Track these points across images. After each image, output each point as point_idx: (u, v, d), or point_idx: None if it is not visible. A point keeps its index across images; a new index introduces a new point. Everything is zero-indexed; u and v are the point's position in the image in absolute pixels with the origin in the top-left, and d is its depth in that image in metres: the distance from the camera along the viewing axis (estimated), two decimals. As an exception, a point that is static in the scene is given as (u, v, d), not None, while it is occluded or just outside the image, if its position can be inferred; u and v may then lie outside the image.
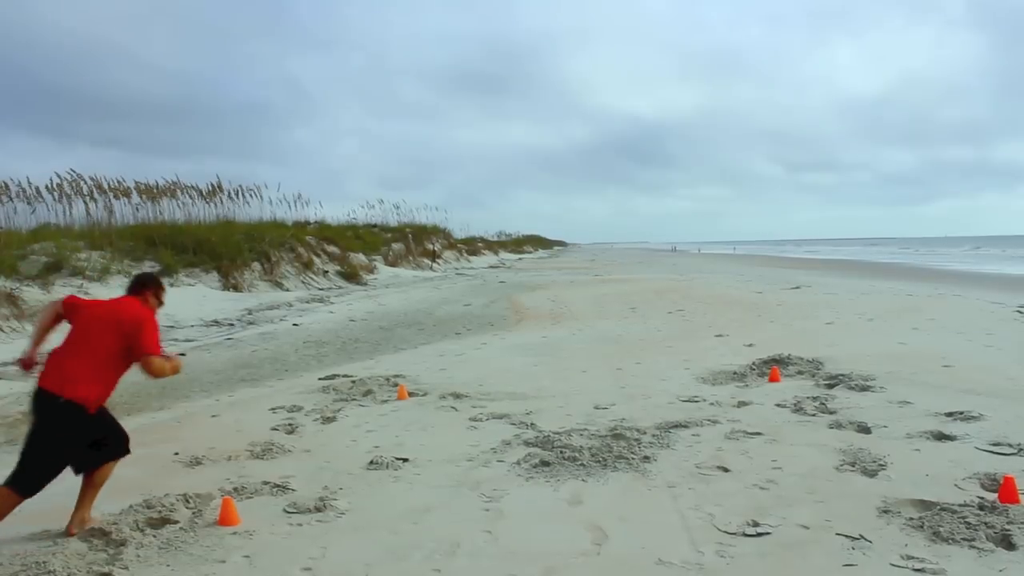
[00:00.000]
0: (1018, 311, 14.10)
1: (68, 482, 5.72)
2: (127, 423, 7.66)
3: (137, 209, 25.86)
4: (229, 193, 29.65)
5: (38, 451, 4.32)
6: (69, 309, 4.71)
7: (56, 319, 4.76)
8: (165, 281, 18.21)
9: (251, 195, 31.05)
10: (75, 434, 4.43)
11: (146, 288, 5.08)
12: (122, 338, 4.54)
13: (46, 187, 23.55)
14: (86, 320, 4.61)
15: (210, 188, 28.80)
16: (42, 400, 4.37)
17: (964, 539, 4.07)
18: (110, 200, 24.91)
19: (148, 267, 20.69)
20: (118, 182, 25.46)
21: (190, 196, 27.97)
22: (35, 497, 4.30)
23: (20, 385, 9.25)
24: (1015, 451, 5.63)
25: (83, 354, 4.47)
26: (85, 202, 24.15)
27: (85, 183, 24.30)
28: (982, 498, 4.63)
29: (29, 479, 4.27)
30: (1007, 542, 4.01)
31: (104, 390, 4.57)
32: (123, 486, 5.48)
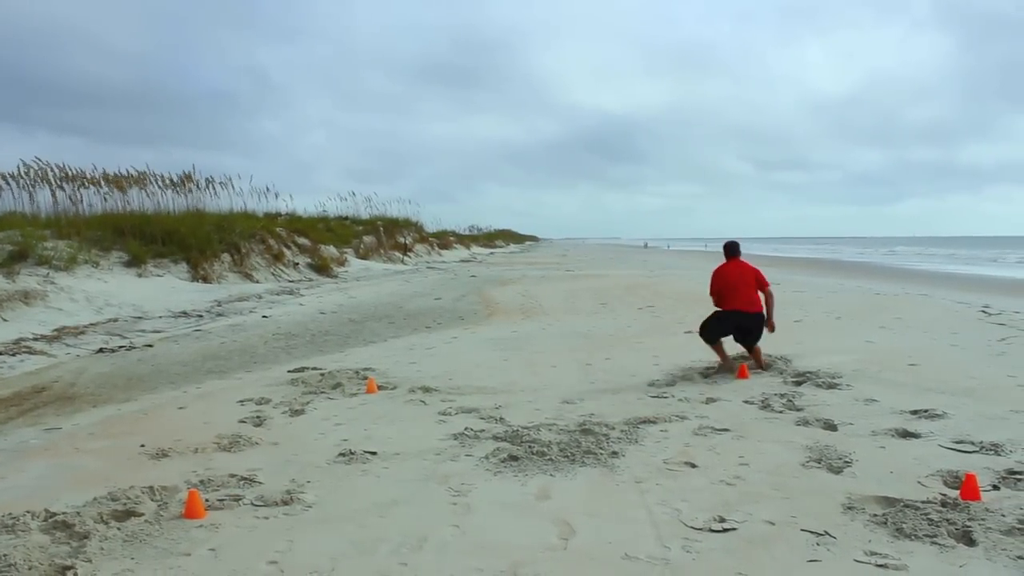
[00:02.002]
0: (983, 311, 14.30)
1: (34, 472, 5.67)
2: (92, 415, 7.64)
3: (105, 198, 25.53)
4: (199, 183, 29.34)
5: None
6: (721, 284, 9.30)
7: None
8: (133, 271, 18.02)
9: (221, 186, 30.76)
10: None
11: (739, 253, 9.46)
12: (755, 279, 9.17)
13: (11, 174, 23.20)
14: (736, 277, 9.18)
15: (180, 178, 28.50)
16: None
17: (926, 535, 4.12)
18: (77, 189, 24.57)
19: (116, 257, 20.45)
20: (85, 171, 25.15)
21: (159, 186, 27.64)
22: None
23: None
24: (977, 449, 5.71)
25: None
26: (52, 190, 23.82)
27: (52, 171, 23.98)
28: (944, 495, 4.69)
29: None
30: (968, 538, 4.06)
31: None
32: (87, 478, 5.44)
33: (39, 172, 23.64)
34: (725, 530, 4.31)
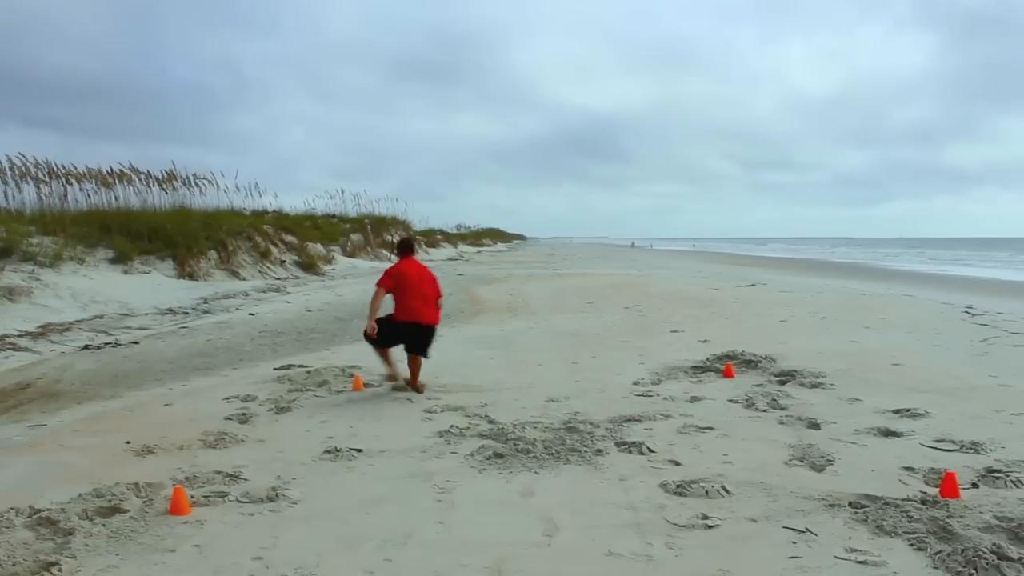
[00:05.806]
0: (966, 311, 14.41)
1: (18, 469, 5.65)
2: (77, 411, 7.62)
3: (89, 195, 25.40)
4: (184, 180, 29.23)
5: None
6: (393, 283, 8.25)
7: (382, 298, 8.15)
8: (119, 268, 17.95)
9: (207, 183, 30.64)
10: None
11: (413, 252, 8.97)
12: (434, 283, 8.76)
13: (-6, 170, 23.05)
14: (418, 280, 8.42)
15: (165, 175, 28.39)
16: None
17: (906, 532, 4.17)
18: (63, 185, 24.44)
19: (102, 253, 20.35)
20: (71, 167, 25.02)
21: (145, 183, 27.52)
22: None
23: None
24: (957, 447, 5.77)
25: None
26: (37, 186, 23.67)
27: (39, 167, 23.84)
28: (924, 492, 4.74)
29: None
30: (947, 534, 4.11)
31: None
32: (72, 475, 5.43)
33: (23, 168, 23.50)
34: (708, 527, 4.35)
